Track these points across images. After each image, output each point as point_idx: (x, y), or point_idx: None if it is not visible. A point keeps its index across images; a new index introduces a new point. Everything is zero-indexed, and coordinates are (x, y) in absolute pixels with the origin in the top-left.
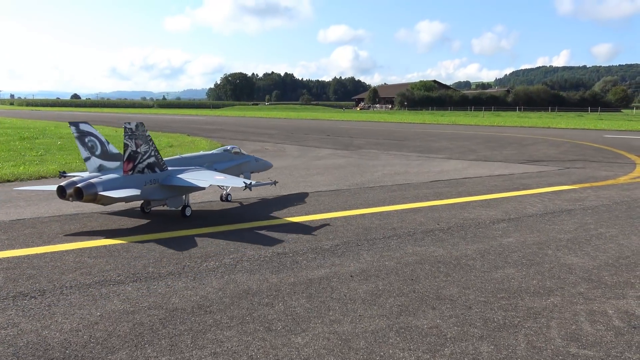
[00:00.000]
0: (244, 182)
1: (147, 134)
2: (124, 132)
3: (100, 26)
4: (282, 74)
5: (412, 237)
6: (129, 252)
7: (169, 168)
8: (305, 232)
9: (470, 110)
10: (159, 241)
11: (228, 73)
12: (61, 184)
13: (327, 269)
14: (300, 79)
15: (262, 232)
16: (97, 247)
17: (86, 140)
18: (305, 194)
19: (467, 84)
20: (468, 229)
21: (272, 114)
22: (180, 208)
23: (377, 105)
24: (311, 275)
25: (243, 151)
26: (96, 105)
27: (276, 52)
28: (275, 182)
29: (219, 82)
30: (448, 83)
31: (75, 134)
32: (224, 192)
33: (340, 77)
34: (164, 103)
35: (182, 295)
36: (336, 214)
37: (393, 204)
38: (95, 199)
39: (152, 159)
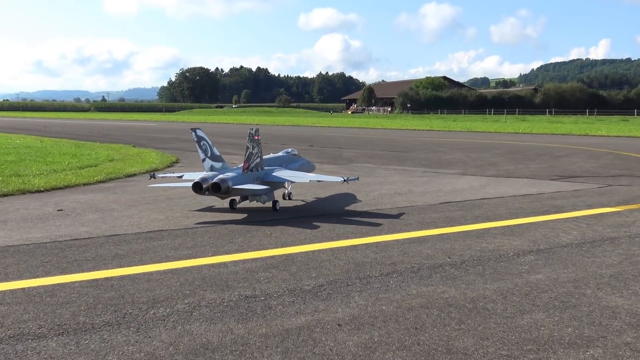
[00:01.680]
0: (342, 178)
1: (259, 138)
2: (248, 136)
3: (21, 11)
4: (254, 69)
5: (416, 274)
6: (53, 297)
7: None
8: (281, 268)
9: (489, 113)
10: (93, 282)
11: (185, 68)
12: (196, 180)
13: (309, 315)
14: (276, 75)
15: (226, 267)
16: (12, 291)
17: (201, 144)
18: (281, 220)
19: (484, 81)
20: (487, 264)
21: (242, 118)
22: (271, 203)
23: (374, 107)
24: (288, 325)
25: (298, 153)
26: (15, 109)
27: (246, 42)
28: (357, 178)
29: (173, 80)
30: (461, 80)
31: (195, 139)
32: (286, 191)
33: (327, 73)
34: (104, 105)
35: (122, 352)
36: (320, 245)
37: (393, 232)
38: (228, 191)
39: (258, 160)
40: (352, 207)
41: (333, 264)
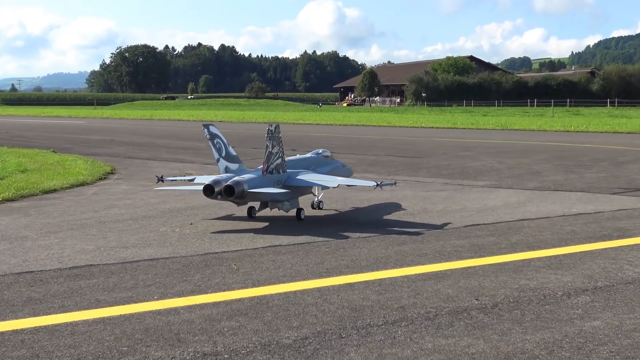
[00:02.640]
0: (375, 182)
1: (280, 135)
2: (267, 134)
3: None
4: (216, 48)
5: (432, 323)
6: None
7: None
8: (251, 314)
9: (531, 105)
10: None
11: (124, 46)
12: (208, 182)
13: None
14: (246, 55)
15: (178, 315)
16: None
17: (215, 142)
18: (246, 251)
19: (525, 63)
20: (527, 307)
21: (200, 114)
22: (295, 211)
23: (377, 98)
24: None
25: (331, 155)
26: None
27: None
28: (395, 183)
29: (108, 62)
30: (494, 61)
31: (207, 136)
32: (316, 199)
33: (315, 52)
34: (14, 97)
35: None
36: (304, 284)
37: (401, 266)
38: (243, 196)
39: (279, 160)
40: (345, 231)
41: (321, 309)
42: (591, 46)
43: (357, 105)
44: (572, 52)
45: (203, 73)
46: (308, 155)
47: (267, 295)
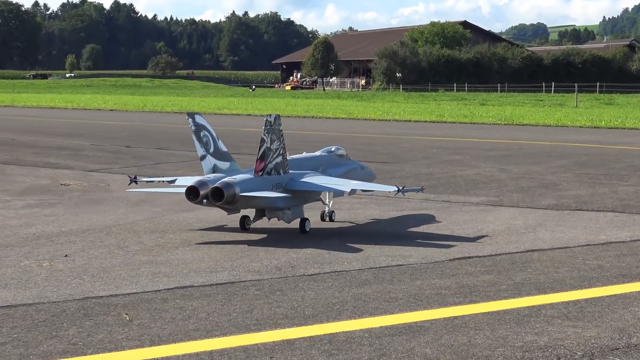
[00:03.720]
0: (396, 187)
1: (281, 128)
2: (264, 125)
3: None
4: (107, 7)
5: None
6: None
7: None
8: None
9: (547, 90)
10: None
11: None
12: (191, 184)
13: None
14: (149, 17)
15: None
16: None
17: (202, 135)
18: (144, 294)
19: (539, 31)
20: None
21: (83, 98)
22: (298, 221)
23: (333, 79)
24: None
25: (347, 154)
26: None
27: None
28: (422, 189)
29: None
30: (496, 29)
31: (193, 128)
32: (327, 209)
33: (247, 14)
34: None
35: None
36: (224, 342)
37: (362, 315)
38: (234, 201)
39: (279, 159)
40: (283, 267)
41: None
42: (630, 9)
43: (306, 88)
44: (603, 17)
45: (88, 41)
46: (317, 153)
47: (172, 357)
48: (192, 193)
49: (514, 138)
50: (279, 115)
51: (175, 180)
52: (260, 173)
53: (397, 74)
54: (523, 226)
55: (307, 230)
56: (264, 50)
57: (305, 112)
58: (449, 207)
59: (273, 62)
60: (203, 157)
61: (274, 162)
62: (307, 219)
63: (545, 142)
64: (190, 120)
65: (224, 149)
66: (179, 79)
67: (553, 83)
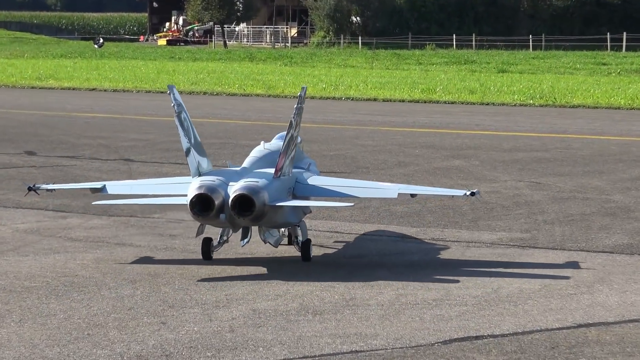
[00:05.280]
0: (470, 190)
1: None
2: (297, 102)
3: None
4: None
5: None
6: None
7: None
8: None
9: (615, 45)
10: None
11: None
12: (199, 192)
13: None
14: None
15: None
16: None
17: (182, 118)
18: None
19: None
20: None
21: None
22: (298, 243)
23: (241, 26)
24: None
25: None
26: None
27: None
28: (472, 193)
29: None
30: None
31: (174, 106)
32: (298, 234)
33: None
34: None
35: None
36: None
37: None
38: (263, 213)
39: (293, 153)
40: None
41: None
42: None
43: (194, 42)
44: None
45: None
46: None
47: None
48: (200, 204)
49: (557, 130)
50: (305, 87)
51: (104, 187)
52: (279, 174)
53: (354, 18)
54: (572, 283)
55: (310, 257)
56: None
57: (192, 84)
58: (443, 250)
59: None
60: (188, 151)
61: (290, 157)
62: (309, 239)
63: (612, 136)
64: (171, 95)
65: (199, 139)
66: None
67: (625, 34)
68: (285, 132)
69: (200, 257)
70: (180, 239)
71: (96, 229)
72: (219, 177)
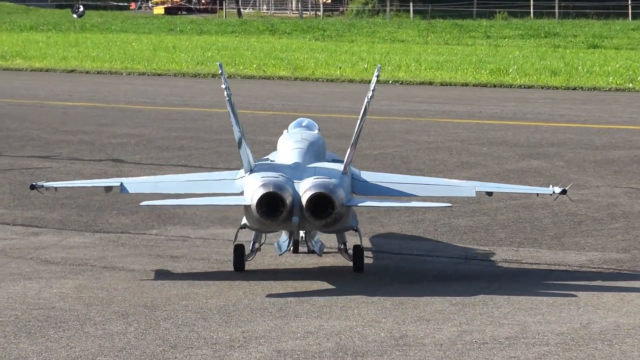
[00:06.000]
0: (553, 188)
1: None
2: (372, 84)
3: None
4: None
5: None
6: None
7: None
8: None
9: None
10: None
11: None
12: (267, 190)
13: None
14: None
15: None
16: None
17: (232, 101)
18: None
19: None
20: None
21: None
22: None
23: None
24: None
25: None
26: None
27: None
28: (563, 191)
29: None
30: None
31: (225, 86)
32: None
33: None
34: None
35: None
36: None
37: None
38: (340, 217)
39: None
40: None
41: None
42: None
43: (198, 10)
44: None
45: None
46: (304, 135)
47: None
48: (267, 205)
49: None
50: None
51: (121, 184)
52: (347, 169)
53: None
54: None
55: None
56: None
57: (197, 64)
58: (518, 275)
59: None
60: (240, 142)
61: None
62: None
63: None
64: (223, 76)
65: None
66: None
67: None
68: (302, 119)
69: (206, 283)
70: (184, 261)
71: (77, 249)
72: (281, 173)
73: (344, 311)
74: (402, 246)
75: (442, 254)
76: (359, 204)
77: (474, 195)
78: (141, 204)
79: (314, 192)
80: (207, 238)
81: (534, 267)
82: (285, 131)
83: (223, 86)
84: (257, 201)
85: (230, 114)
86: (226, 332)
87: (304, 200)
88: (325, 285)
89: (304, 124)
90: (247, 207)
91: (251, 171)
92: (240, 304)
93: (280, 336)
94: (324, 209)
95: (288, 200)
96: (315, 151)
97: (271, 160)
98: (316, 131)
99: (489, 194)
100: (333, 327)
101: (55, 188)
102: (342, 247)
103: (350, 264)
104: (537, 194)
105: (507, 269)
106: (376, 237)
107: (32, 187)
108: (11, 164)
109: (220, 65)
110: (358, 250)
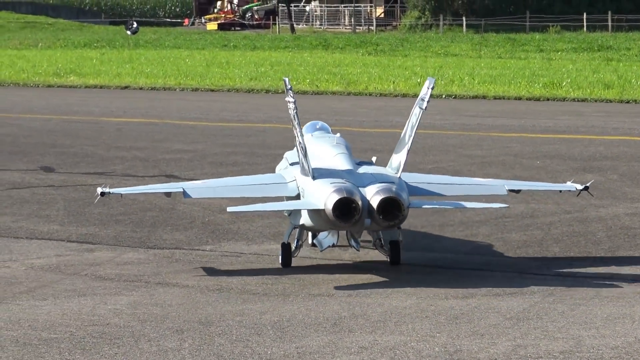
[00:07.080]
0: (575, 185)
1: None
2: (425, 95)
3: None
4: None
5: None
6: None
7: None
8: None
9: None
10: None
11: None
12: (342, 195)
13: None
14: None
15: None
16: None
17: (296, 111)
18: None
19: None
20: None
21: None
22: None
23: (312, 4)
24: None
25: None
26: None
27: None
28: (585, 187)
29: None
30: None
31: (292, 102)
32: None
33: None
34: None
35: None
36: None
37: None
38: (404, 219)
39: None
40: None
41: None
42: None
43: (252, 26)
44: None
45: None
46: (323, 137)
47: None
48: (341, 208)
49: None
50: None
51: (184, 190)
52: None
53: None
54: None
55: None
56: None
57: (250, 79)
58: (572, 288)
59: None
60: (306, 152)
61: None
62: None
63: None
64: (290, 91)
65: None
66: None
67: None
68: (315, 121)
69: (260, 298)
70: (238, 276)
71: (132, 265)
72: (346, 179)
73: (398, 326)
74: (456, 261)
75: (496, 268)
76: (422, 206)
77: (506, 194)
78: (228, 210)
79: (384, 197)
80: (261, 254)
81: (588, 280)
82: (309, 135)
83: (289, 99)
84: (334, 205)
85: (296, 127)
86: (280, 348)
87: (374, 204)
88: (378, 300)
89: (318, 127)
90: (318, 211)
91: (314, 177)
92: (294, 319)
93: (334, 351)
94: (392, 212)
95: (360, 204)
96: (351, 155)
97: (290, 163)
98: (338, 134)
99: (517, 191)
100: (387, 342)
101: (121, 194)
102: (378, 241)
103: (386, 258)
104: (560, 191)
105: (561, 283)
106: (430, 252)
107: (103, 194)
108: (65, 180)
109: (286, 81)
110: (396, 244)
